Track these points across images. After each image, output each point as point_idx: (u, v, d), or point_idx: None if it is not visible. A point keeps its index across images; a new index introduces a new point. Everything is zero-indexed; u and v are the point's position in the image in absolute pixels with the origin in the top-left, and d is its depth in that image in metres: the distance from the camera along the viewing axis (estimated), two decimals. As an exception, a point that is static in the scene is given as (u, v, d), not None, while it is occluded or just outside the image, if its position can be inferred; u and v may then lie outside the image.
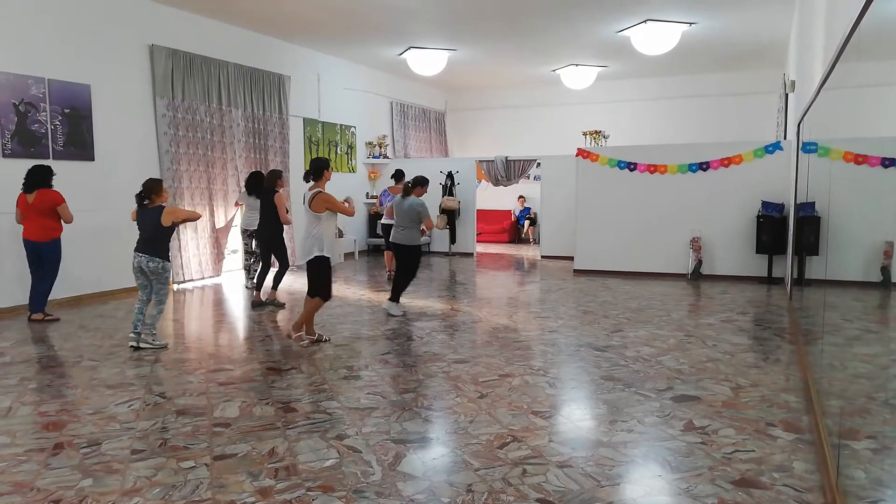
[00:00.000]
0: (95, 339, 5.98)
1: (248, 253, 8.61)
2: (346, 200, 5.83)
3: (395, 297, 7.06)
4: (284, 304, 7.63)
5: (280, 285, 7.80)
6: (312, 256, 5.61)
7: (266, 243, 7.72)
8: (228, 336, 6.44)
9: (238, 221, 8.86)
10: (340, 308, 7.44)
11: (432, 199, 12.36)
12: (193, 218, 5.83)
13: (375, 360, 5.27)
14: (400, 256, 7.18)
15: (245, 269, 8.87)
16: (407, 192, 7.11)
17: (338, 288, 8.86)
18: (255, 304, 7.60)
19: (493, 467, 3.24)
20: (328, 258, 5.63)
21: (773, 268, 9.13)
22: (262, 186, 7.72)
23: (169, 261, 5.66)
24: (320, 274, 5.65)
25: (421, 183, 7.19)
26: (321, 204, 5.52)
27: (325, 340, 5.80)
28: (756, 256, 9.21)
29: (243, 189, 8.57)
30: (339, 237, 5.71)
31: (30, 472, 3.23)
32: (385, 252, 10.09)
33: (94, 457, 3.40)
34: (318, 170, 5.67)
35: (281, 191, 7.58)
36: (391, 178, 10.28)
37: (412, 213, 6.98)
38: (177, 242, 8.88)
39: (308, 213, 5.61)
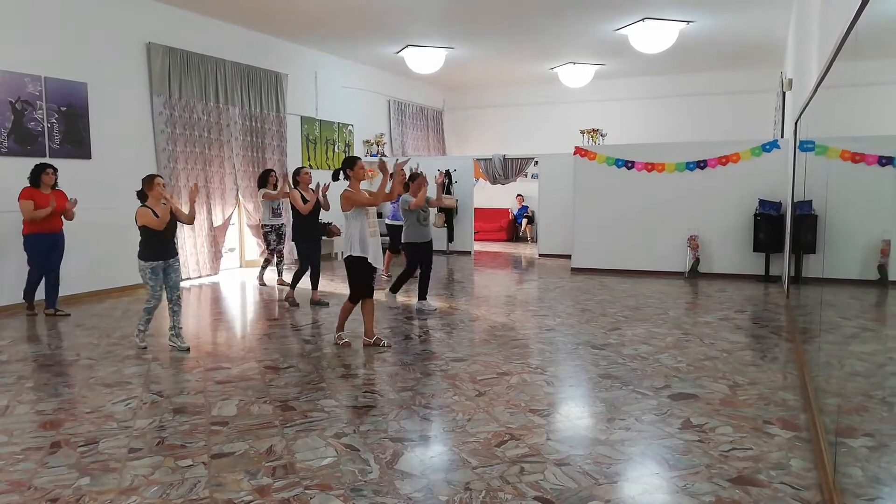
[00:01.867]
0: (92, 338, 5.97)
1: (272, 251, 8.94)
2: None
3: (423, 295, 7.24)
4: (298, 304, 7.49)
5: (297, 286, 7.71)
6: (345, 256, 5.49)
7: (293, 240, 8.15)
8: (226, 334, 6.43)
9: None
10: (338, 307, 7.43)
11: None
12: (155, 224, 5.36)
13: (373, 358, 5.27)
14: (428, 253, 7.22)
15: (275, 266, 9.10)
16: (406, 188, 7.21)
17: (335, 286, 8.86)
18: (313, 302, 7.55)
19: (491, 465, 3.24)
20: (357, 258, 5.39)
21: (771, 266, 9.14)
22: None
23: (140, 259, 5.40)
24: (348, 274, 5.52)
25: (412, 178, 7.24)
26: (344, 202, 5.38)
27: (342, 344, 5.63)
28: (753, 255, 9.23)
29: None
30: (373, 236, 5.44)
31: (27, 470, 3.23)
32: (387, 252, 9.94)
33: (91, 455, 3.39)
34: (344, 167, 5.51)
35: (297, 186, 7.72)
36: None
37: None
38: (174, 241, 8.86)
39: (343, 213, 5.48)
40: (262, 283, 8.95)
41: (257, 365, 5.08)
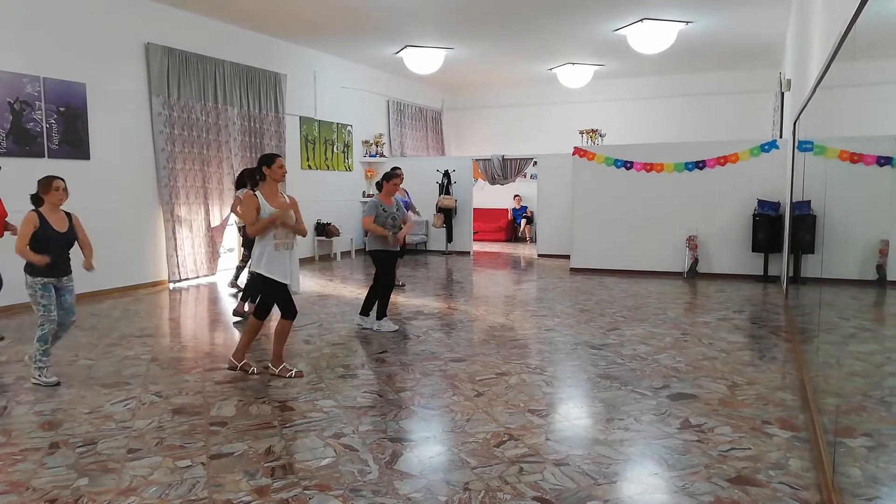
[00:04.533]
0: (91, 338, 5.96)
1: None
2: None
3: (368, 311, 6.34)
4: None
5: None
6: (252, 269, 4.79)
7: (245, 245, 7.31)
8: (224, 335, 6.42)
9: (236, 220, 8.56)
10: (337, 307, 7.44)
11: (429, 199, 12.40)
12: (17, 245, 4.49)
13: (372, 358, 5.26)
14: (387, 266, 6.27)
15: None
16: (379, 188, 6.30)
17: (335, 287, 8.86)
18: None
19: (490, 465, 3.24)
20: (261, 275, 4.70)
21: (770, 266, 9.15)
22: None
23: (27, 273, 4.55)
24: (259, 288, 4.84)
25: (386, 178, 6.26)
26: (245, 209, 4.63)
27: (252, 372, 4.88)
28: (752, 255, 9.23)
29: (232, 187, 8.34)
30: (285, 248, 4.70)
31: (26, 471, 3.22)
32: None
33: (89, 456, 3.39)
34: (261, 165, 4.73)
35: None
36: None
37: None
38: (173, 241, 8.86)
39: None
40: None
41: (256, 365, 5.07)
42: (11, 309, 7.05)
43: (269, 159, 4.73)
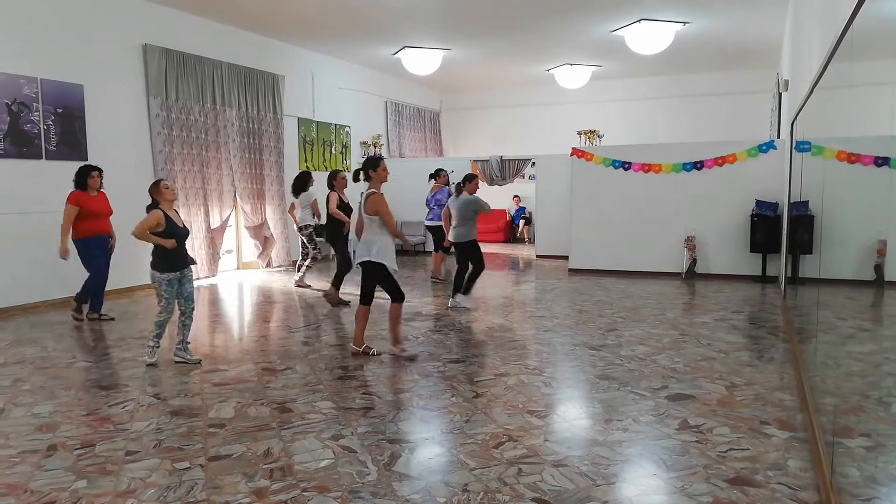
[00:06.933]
0: (89, 341, 5.95)
1: (303, 247, 8.91)
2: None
3: (468, 291, 7.52)
4: (349, 302, 7.53)
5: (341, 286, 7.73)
6: (364, 260, 5.24)
7: (327, 241, 8.24)
8: (223, 336, 6.42)
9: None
10: (337, 308, 7.43)
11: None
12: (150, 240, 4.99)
13: (370, 360, 5.26)
14: (467, 253, 7.37)
15: (297, 267, 9.10)
16: (459, 190, 7.41)
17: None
18: (340, 302, 7.60)
19: (489, 467, 3.24)
20: (381, 264, 5.20)
21: (768, 266, 9.16)
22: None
23: (153, 269, 5.06)
24: (382, 279, 5.29)
25: (469, 179, 7.45)
26: (372, 206, 5.17)
27: (373, 354, 5.38)
28: (750, 255, 9.24)
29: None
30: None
31: (23, 473, 3.22)
32: (434, 254, 9.81)
33: (88, 458, 3.38)
34: (367, 168, 5.30)
35: (335, 189, 7.83)
36: (430, 177, 9.76)
37: (468, 210, 7.27)
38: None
39: (363, 215, 5.27)
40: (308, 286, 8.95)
41: (254, 367, 5.07)
42: (9, 311, 7.05)
43: (374, 163, 5.30)
